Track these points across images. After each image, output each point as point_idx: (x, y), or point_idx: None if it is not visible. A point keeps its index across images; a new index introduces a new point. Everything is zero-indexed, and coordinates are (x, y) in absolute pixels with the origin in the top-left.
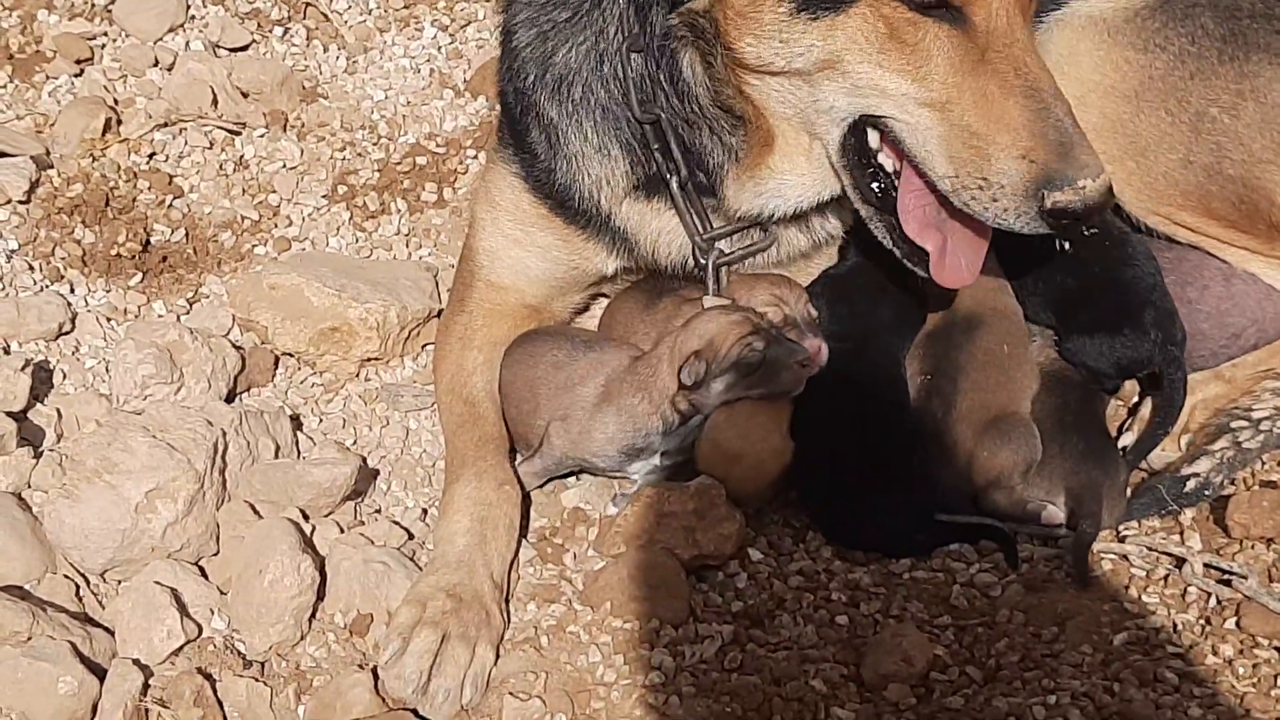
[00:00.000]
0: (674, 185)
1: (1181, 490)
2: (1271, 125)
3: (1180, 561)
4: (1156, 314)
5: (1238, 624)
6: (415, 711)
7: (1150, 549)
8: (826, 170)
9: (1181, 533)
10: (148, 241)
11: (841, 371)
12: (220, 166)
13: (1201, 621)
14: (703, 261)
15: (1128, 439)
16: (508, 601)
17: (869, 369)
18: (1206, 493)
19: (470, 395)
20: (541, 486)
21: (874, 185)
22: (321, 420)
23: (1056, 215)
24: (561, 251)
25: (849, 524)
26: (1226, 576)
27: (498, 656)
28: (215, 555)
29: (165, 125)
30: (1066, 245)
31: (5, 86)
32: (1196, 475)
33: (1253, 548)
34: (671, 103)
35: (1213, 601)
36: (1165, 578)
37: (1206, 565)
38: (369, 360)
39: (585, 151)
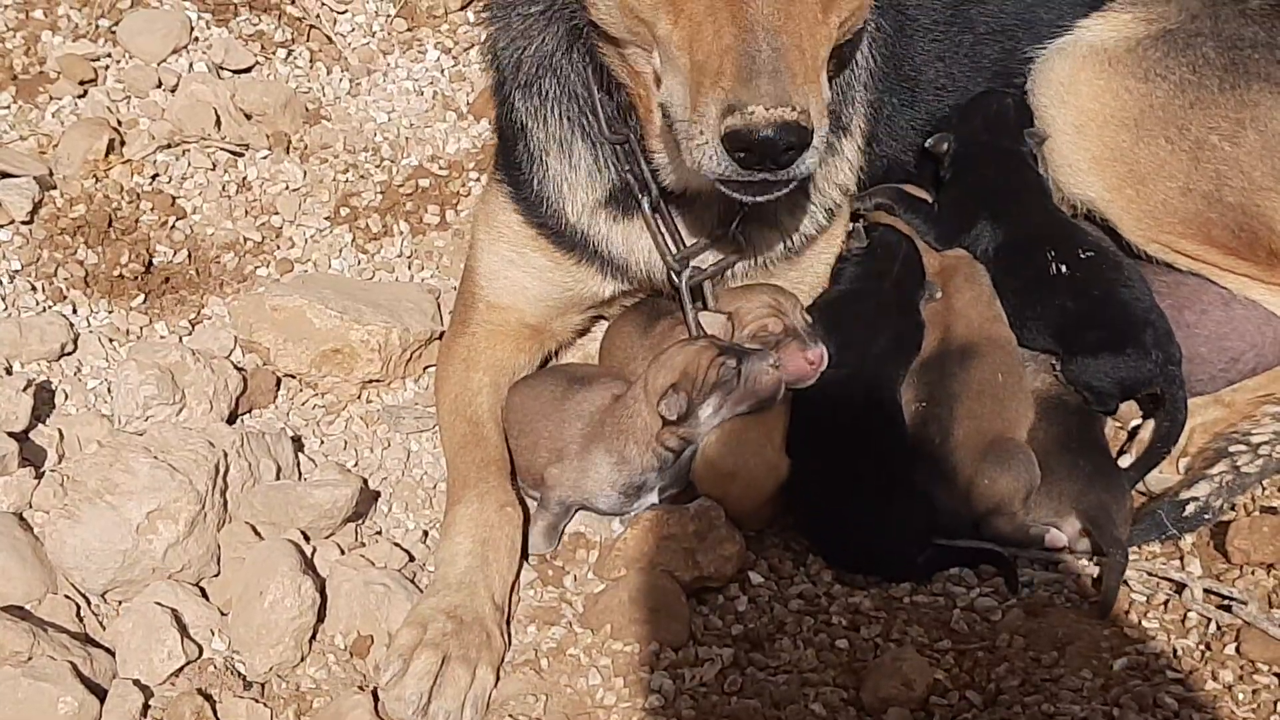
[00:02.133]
0: (645, 206)
1: (1181, 515)
2: (1271, 153)
3: (1180, 587)
4: (1156, 334)
5: (1238, 649)
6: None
7: (1150, 574)
8: None
9: (1181, 558)
10: (150, 262)
11: (838, 397)
12: (223, 188)
13: (1201, 647)
14: (676, 282)
15: (1126, 461)
16: (509, 623)
17: (865, 394)
18: (1206, 517)
19: (474, 415)
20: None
21: None
22: (323, 442)
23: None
24: (555, 273)
25: (848, 548)
26: (1227, 602)
27: (498, 678)
28: (216, 576)
29: (168, 146)
30: (1062, 268)
31: (9, 107)
32: (1196, 499)
33: (1253, 573)
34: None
35: (1213, 627)
36: (1165, 603)
37: (1206, 590)
38: (371, 382)
39: (551, 150)
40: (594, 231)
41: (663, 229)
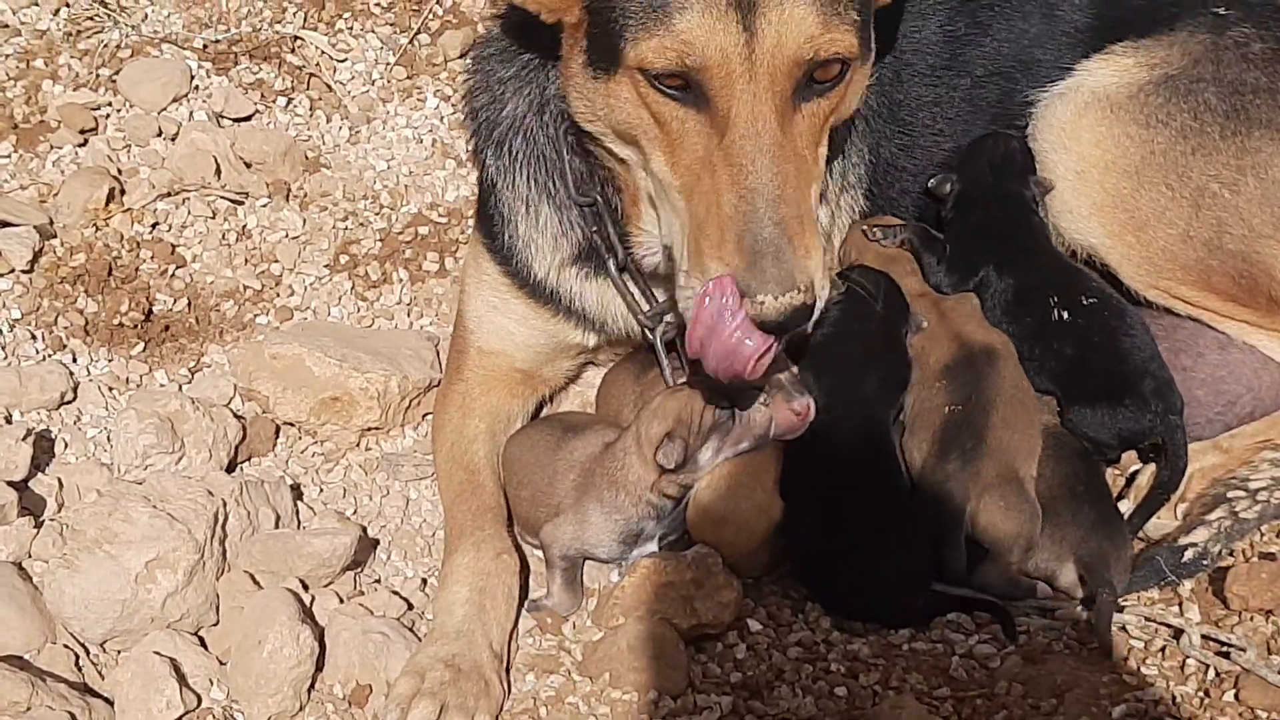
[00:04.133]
0: (612, 268)
1: (1179, 561)
2: (1271, 201)
3: (1178, 633)
4: (1156, 384)
5: (1236, 696)
6: None
7: (1149, 620)
8: None
9: (1180, 604)
10: (150, 311)
11: (831, 441)
12: (223, 236)
13: (1200, 694)
14: (650, 339)
15: (1124, 506)
16: (508, 670)
17: (857, 436)
18: (1204, 563)
19: (470, 463)
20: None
21: None
22: (322, 490)
23: None
24: (535, 321)
25: (846, 594)
26: (1225, 649)
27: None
28: (215, 625)
29: (168, 195)
30: (1064, 314)
31: (9, 156)
32: (1194, 545)
33: (1251, 619)
34: (605, 189)
35: (1211, 674)
36: (1163, 649)
37: (1205, 637)
38: (370, 430)
39: (519, 211)
40: (564, 288)
41: (631, 287)
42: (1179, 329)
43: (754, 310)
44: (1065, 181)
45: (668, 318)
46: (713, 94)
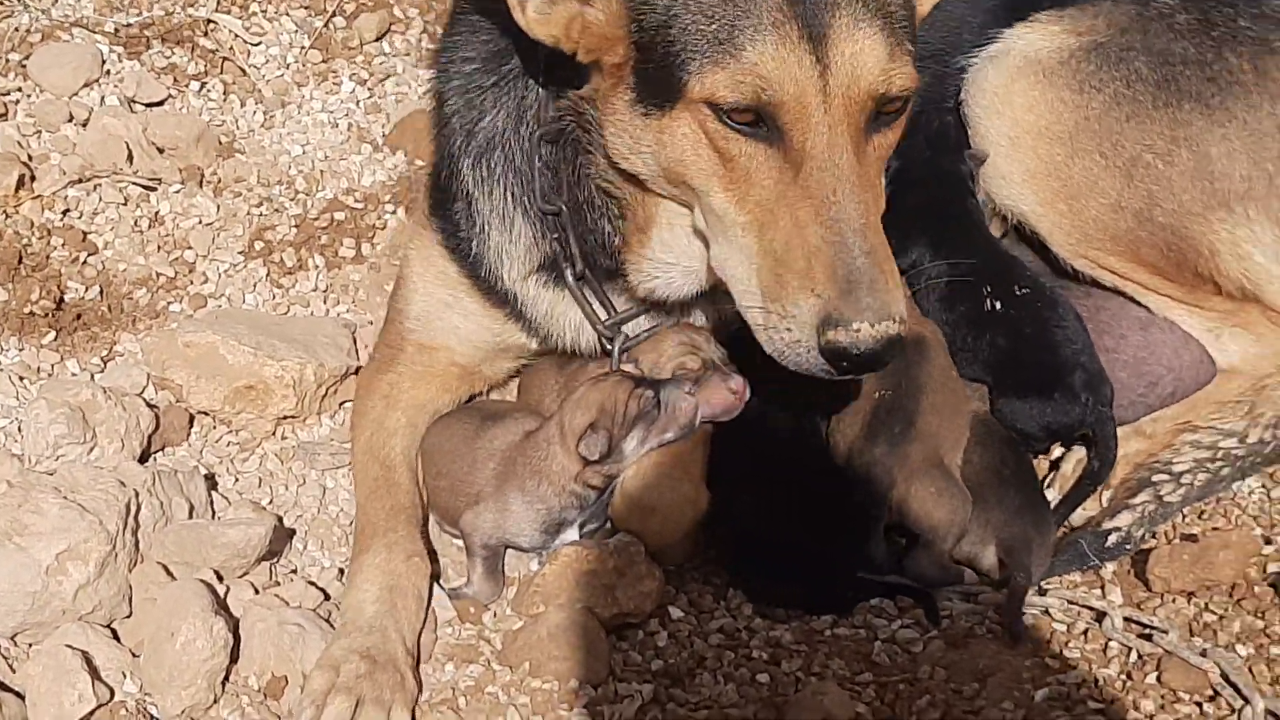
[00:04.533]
0: (569, 276)
1: (1103, 545)
2: (1202, 176)
3: (1101, 616)
4: (1087, 376)
5: (1159, 679)
6: None
7: (1071, 603)
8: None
9: (1102, 587)
10: (61, 299)
11: (759, 427)
12: (135, 223)
13: (1123, 676)
14: (608, 348)
15: (1051, 494)
16: (418, 667)
17: (786, 424)
18: (1127, 547)
19: (388, 458)
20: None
21: None
22: (237, 479)
23: (832, 355)
24: (487, 320)
25: (771, 581)
26: (1147, 631)
27: (413, 716)
28: (128, 617)
29: (79, 181)
30: (997, 304)
31: None
32: (1118, 530)
33: (1173, 602)
34: (573, 191)
35: (1134, 656)
36: (1086, 632)
37: (1127, 620)
38: (285, 419)
39: (492, 222)
40: (525, 295)
41: (590, 297)
42: (1102, 310)
43: (848, 338)
44: (998, 147)
45: (625, 328)
46: (787, 128)
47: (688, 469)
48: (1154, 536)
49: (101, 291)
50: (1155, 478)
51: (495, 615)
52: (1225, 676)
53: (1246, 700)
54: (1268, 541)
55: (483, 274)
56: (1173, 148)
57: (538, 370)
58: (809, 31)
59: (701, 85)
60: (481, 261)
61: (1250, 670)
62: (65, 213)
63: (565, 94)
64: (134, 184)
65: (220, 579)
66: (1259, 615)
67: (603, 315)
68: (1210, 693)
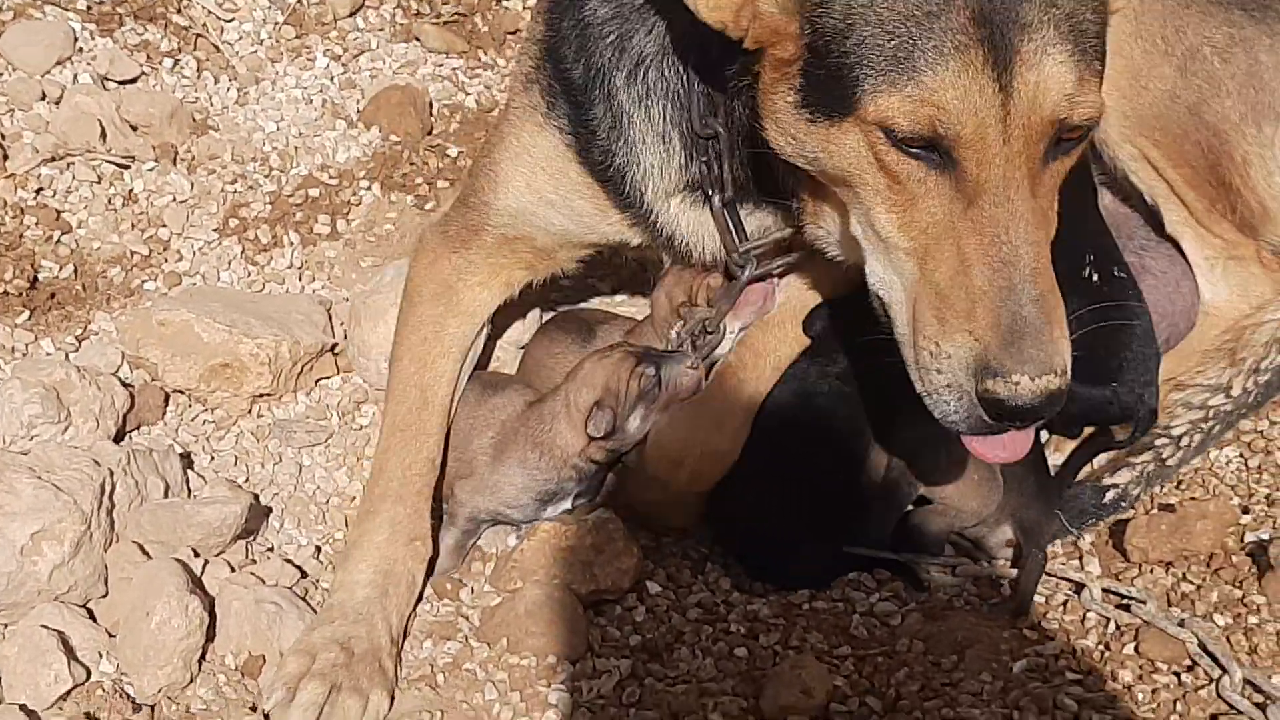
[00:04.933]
0: (716, 201)
1: (1101, 500)
2: (1252, 83)
3: (1079, 587)
4: (1147, 378)
5: (1137, 649)
6: None
7: (1049, 575)
8: None
9: (1080, 558)
10: (35, 278)
11: (801, 396)
12: (109, 201)
13: (1101, 647)
14: (737, 275)
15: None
16: (402, 649)
17: (827, 395)
18: (1123, 504)
19: (429, 386)
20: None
21: None
22: (213, 458)
23: (988, 404)
24: (595, 220)
25: (760, 555)
26: (1125, 601)
27: (393, 701)
28: (104, 597)
29: (53, 160)
30: (1094, 276)
31: None
32: (1116, 486)
33: (1151, 572)
34: (730, 128)
35: (1112, 627)
36: (1064, 603)
37: (1105, 590)
38: (261, 396)
39: (647, 140)
40: (662, 210)
41: (731, 226)
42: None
43: (1007, 390)
44: None
45: (756, 254)
46: (963, 158)
47: (723, 423)
48: (1132, 507)
49: (75, 270)
50: (1157, 441)
51: (473, 592)
52: (1203, 646)
53: (1224, 670)
54: (1245, 511)
55: (623, 188)
56: (1230, 47)
57: (551, 341)
58: (994, 57)
59: (875, 106)
60: (625, 176)
61: (1228, 640)
62: (39, 191)
63: (729, 69)
64: (108, 162)
65: (197, 557)
66: (1236, 585)
67: (738, 244)
68: (1188, 662)
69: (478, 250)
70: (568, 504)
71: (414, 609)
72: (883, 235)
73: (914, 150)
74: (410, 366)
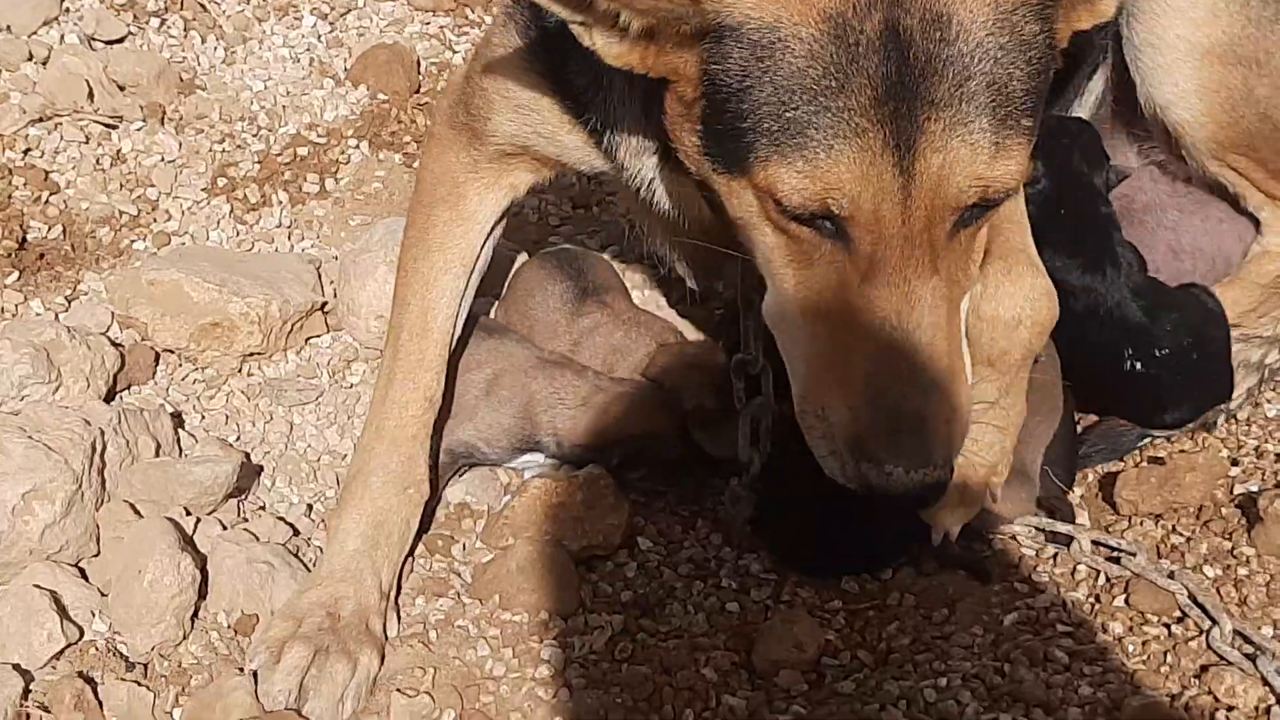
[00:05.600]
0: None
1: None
2: None
3: (1069, 539)
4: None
5: (1127, 601)
6: (299, 711)
7: (1039, 528)
8: None
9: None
10: (24, 239)
11: None
12: (97, 161)
13: (1091, 599)
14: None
15: None
16: (396, 602)
17: None
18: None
19: (431, 306)
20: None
21: None
22: (203, 417)
23: (863, 485)
24: (585, 155)
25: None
26: (1115, 554)
27: (383, 659)
28: (95, 556)
29: (40, 120)
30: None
31: None
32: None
33: (1141, 524)
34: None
35: (1102, 579)
36: (1055, 556)
37: (1095, 543)
38: (251, 355)
39: (623, 104)
40: (637, 168)
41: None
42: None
43: (878, 478)
44: (1173, 62)
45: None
46: (856, 238)
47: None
48: (1121, 460)
49: (64, 231)
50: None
51: (465, 549)
52: (1193, 598)
53: (1214, 621)
54: (1234, 463)
55: (601, 140)
56: None
57: (540, 290)
58: (896, 140)
59: (765, 175)
60: (602, 135)
61: (1218, 592)
62: (26, 152)
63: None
64: (95, 122)
65: (189, 515)
66: (1226, 537)
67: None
68: (1178, 614)
69: (483, 149)
70: (541, 457)
71: (409, 557)
72: (777, 284)
73: (806, 218)
74: (414, 283)
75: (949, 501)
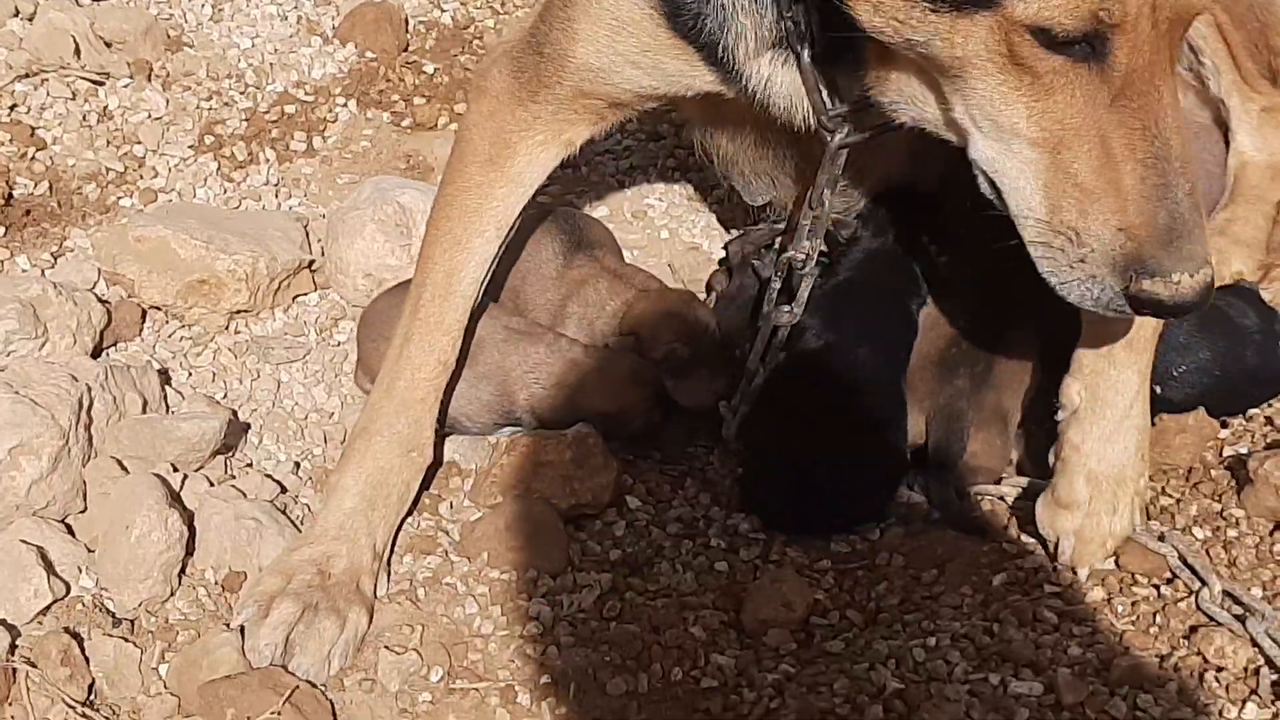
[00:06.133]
0: (805, 57)
1: None
2: None
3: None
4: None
5: (1116, 562)
6: (286, 667)
7: (1026, 490)
8: None
9: None
10: (10, 195)
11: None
12: (84, 118)
13: None
14: (827, 141)
15: None
16: (388, 562)
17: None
18: None
19: (456, 269)
20: None
21: None
22: (190, 374)
23: (1140, 302)
24: (686, 78)
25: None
26: None
27: (372, 617)
28: (83, 512)
29: (26, 76)
30: None
31: None
32: None
33: None
34: None
35: None
36: None
37: None
38: (238, 313)
39: (744, 5)
40: (753, 71)
41: (820, 85)
42: None
43: (1168, 291)
44: None
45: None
46: (1115, 49)
47: None
48: None
49: (50, 187)
50: None
51: (452, 507)
52: (1182, 559)
53: (1204, 582)
54: (1224, 425)
55: (715, 51)
56: None
57: (533, 256)
58: None
59: (1027, 8)
60: (716, 40)
61: (1207, 553)
62: (13, 108)
63: None
64: (82, 78)
65: (176, 472)
66: (1215, 499)
67: (828, 105)
68: (1167, 575)
69: (546, 102)
70: (521, 430)
71: (405, 515)
72: (1003, 124)
73: (1066, 43)
74: (444, 241)
75: None
